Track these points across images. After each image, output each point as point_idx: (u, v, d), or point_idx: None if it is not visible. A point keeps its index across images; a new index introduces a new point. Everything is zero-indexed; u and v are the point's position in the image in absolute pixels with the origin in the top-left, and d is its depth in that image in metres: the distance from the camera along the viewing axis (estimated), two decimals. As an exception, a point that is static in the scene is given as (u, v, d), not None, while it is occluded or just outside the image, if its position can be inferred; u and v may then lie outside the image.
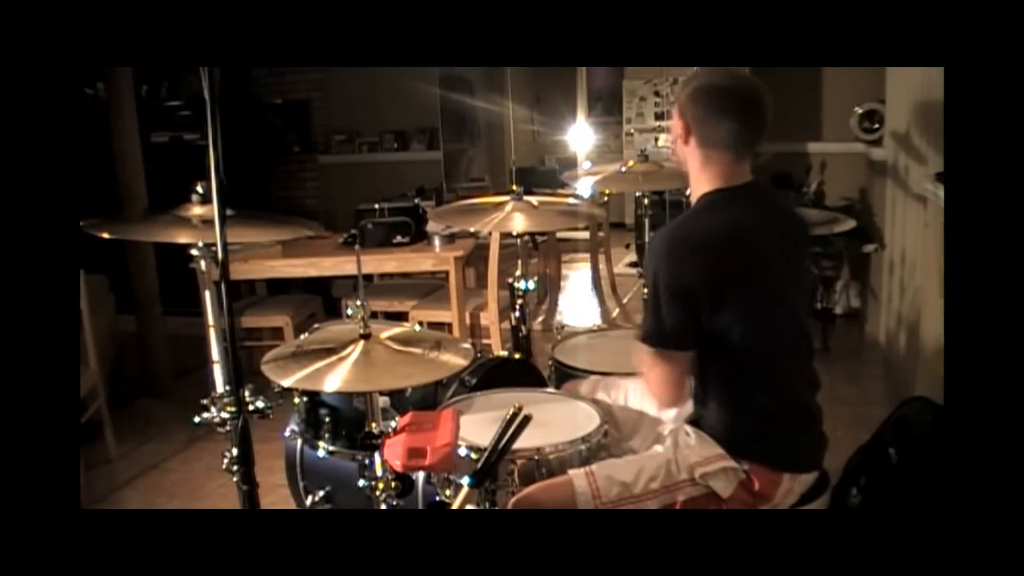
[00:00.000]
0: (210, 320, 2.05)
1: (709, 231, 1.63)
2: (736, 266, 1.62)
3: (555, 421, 1.85)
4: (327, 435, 2.14)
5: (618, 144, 8.00)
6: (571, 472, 1.67)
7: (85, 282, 3.21)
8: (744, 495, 1.64)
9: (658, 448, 1.76)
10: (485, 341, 3.87)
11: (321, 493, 2.25)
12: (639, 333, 1.69)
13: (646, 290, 1.78)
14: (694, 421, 1.75)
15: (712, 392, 1.68)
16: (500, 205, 2.49)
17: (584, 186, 3.45)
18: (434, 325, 3.85)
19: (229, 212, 1.53)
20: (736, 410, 1.66)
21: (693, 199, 1.75)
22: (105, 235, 2.05)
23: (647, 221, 3.73)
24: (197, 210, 2.09)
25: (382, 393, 1.82)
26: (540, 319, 4.87)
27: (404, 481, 1.86)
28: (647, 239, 3.62)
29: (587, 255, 5.39)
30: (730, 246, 1.62)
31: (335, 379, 1.66)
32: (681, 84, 1.77)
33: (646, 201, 3.78)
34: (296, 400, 2.20)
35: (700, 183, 1.72)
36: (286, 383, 1.69)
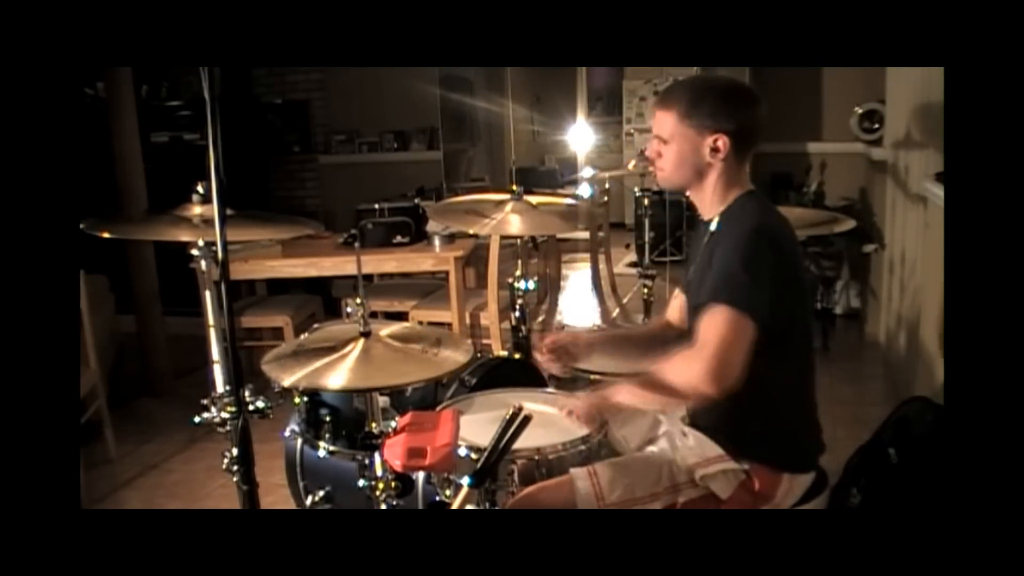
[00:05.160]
0: (210, 320, 2.05)
1: (784, 226, 1.66)
2: (797, 263, 1.64)
3: (555, 421, 1.85)
4: (327, 435, 2.14)
5: (618, 144, 8.01)
6: (573, 472, 1.66)
7: (85, 282, 3.21)
8: (744, 496, 1.64)
9: (654, 448, 1.75)
10: (485, 341, 3.87)
11: (321, 493, 2.25)
12: (718, 294, 1.52)
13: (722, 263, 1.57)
14: (692, 422, 1.75)
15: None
16: (499, 205, 2.49)
17: (584, 187, 3.47)
18: (434, 325, 3.85)
19: (229, 212, 1.53)
20: (749, 408, 1.63)
21: (708, 209, 1.71)
22: (106, 235, 2.05)
23: (647, 221, 3.74)
24: (197, 209, 2.10)
25: (382, 392, 1.82)
26: (540, 319, 4.87)
27: (404, 481, 1.86)
28: (646, 239, 3.63)
29: (587, 255, 5.39)
30: (795, 242, 1.67)
31: (336, 377, 1.66)
32: (690, 97, 1.65)
33: (646, 201, 3.79)
34: (296, 400, 2.20)
35: (730, 190, 1.68)
36: (287, 382, 1.69)
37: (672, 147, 1.67)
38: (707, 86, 1.70)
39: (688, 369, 1.52)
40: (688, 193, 1.75)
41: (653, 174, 1.78)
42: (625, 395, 1.67)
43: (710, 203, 1.71)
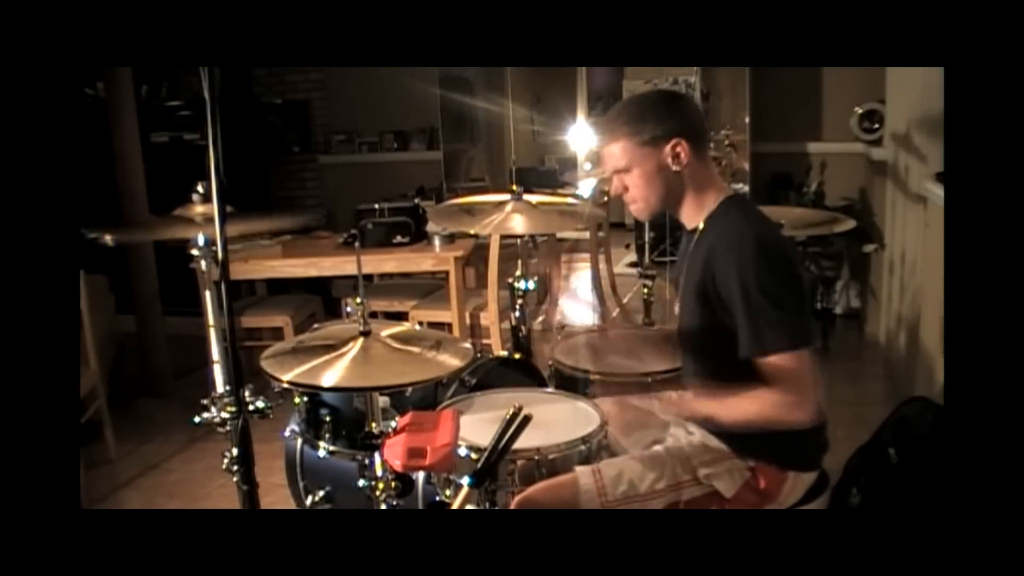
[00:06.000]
0: (210, 320, 2.05)
1: (773, 228, 1.67)
2: (796, 264, 1.64)
3: (555, 421, 1.85)
4: (327, 435, 2.14)
5: (618, 144, 8.00)
6: (577, 469, 1.67)
7: (85, 282, 3.21)
8: (748, 494, 1.64)
9: (659, 448, 1.76)
10: (485, 341, 3.87)
11: (321, 493, 2.26)
12: (769, 343, 1.50)
13: (728, 296, 1.57)
14: (698, 422, 1.75)
15: (729, 389, 1.65)
16: (500, 205, 2.49)
17: (584, 187, 3.46)
18: (434, 325, 3.85)
19: (229, 209, 1.52)
20: None
21: (692, 219, 1.70)
22: (108, 240, 2.04)
23: (647, 221, 3.72)
24: (200, 208, 2.09)
25: (382, 392, 1.82)
26: (540, 319, 4.87)
27: (404, 481, 1.86)
28: (646, 239, 3.63)
29: (587, 255, 5.39)
30: (788, 243, 1.69)
31: (333, 375, 1.66)
32: (631, 118, 1.65)
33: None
34: (296, 400, 2.20)
35: (707, 194, 1.68)
36: (285, 378, 1.68)
37: (635, 173, 1.65)
38: (640, 102, 1.71)
39: (777, 411, 1.51)
40: (669, 212, 1.74)
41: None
42: (677, 413, 1.67)
43: (691, 212, 1.71)
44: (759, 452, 1.64)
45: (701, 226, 1.69)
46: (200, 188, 2.11)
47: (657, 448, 1.75)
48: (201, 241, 2.00)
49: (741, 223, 1.61)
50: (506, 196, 2.51)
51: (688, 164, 1.64)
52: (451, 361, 1.74)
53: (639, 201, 1.69)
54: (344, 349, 1.74)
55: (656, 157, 1.64)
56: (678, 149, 1.62)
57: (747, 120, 4.93)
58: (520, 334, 2.60)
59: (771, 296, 1.51)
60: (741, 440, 1.64)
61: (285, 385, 1.71)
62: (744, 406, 1.55)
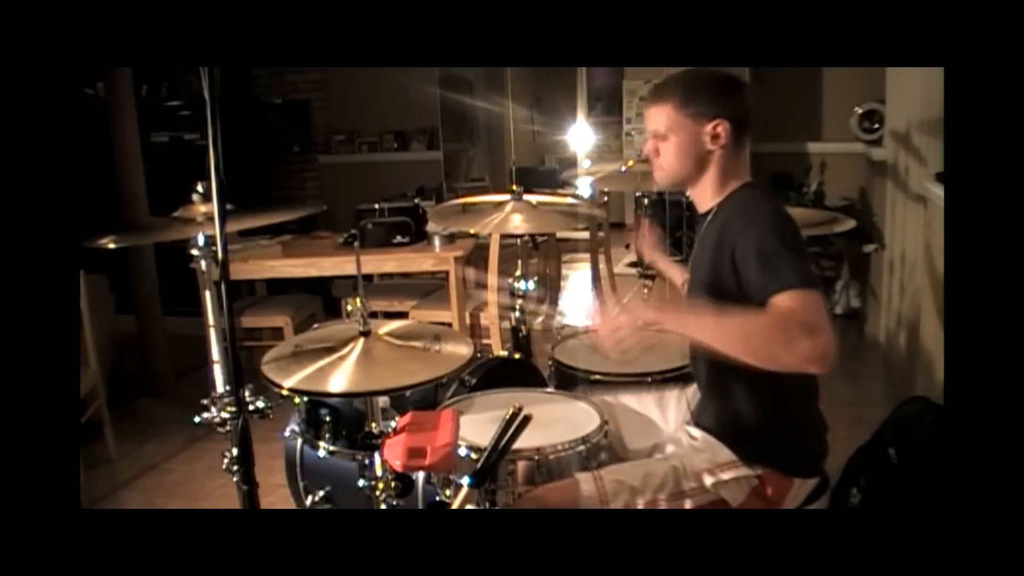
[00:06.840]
0: (210, 320, 2.05)
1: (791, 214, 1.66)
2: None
3: (555, 421, 1.85)
4: (327, 435, 2.14)
5: (618, 144, 8.01)
6: (578, 475, 1.66)
7: (85, 282, 3.21)
8: (755, 501, 1.63)
9: (662, 455, 1.75)
10: (485, 341, 3.87)
11: (321, 493, 2.25)
12: (775, 283, 1.42)
13: (743, 249, 1.51)
14: (700, 424, 1.74)
15: (737, 393, 1.64)
16: (500, 205, 2.49)
17: (584, 186, 3.46)
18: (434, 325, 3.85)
19: (229, 207, 1.52)
20: (761, 413, 1.63)
21: (707, 201, 1.70)
22: (111, 245, 2.03)
23: (647, 221, 3.72)
24: (203, 208, 2.09)
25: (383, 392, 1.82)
26: (540, 319, 4.87)
27: (404, 481, 1.86)
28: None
29: (587, 255, 5.39)
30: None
31: (338, 379, 1.66)
32: (684, 89, 1.65)
33: (646, 201, 3.78)
34: (296, 400, 2.20)
35: (729, 181, 1.67)
36: (287, 384, 1.68)
37: (671, 140, 1.66)
38: (700, 76, 1.70)
39: (798, 345, 1.33)
40: (688, 190, 1.74)
41: (652, 176, 1.77)
42: (687, 326, 1.50)
43: (710, 195, 1.70)
44: (766, 458, 1.62)
45: (716, 208, 1.68)
46: (200, 188, 2.11)
47: (659, 456, 1.74)
48: (201, 241, 2.00)
49: (757, 198, 1.63)
50: (506, 196, 2.51)
51: (724, 147, 1.65)
52: (456, 352, 1.73)
53: (665, 169, 1.71)
54: (345, 351, 1.74)
55: (695, 131, 1.64)
56: (719, 130, 1.63)
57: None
58: (520, 334, 2.60)
59: (786, 240, 1.49)
60: (748, 445, 1.63)
61: (286, 392, 1.70)
62: (750, 322, 1.40)
